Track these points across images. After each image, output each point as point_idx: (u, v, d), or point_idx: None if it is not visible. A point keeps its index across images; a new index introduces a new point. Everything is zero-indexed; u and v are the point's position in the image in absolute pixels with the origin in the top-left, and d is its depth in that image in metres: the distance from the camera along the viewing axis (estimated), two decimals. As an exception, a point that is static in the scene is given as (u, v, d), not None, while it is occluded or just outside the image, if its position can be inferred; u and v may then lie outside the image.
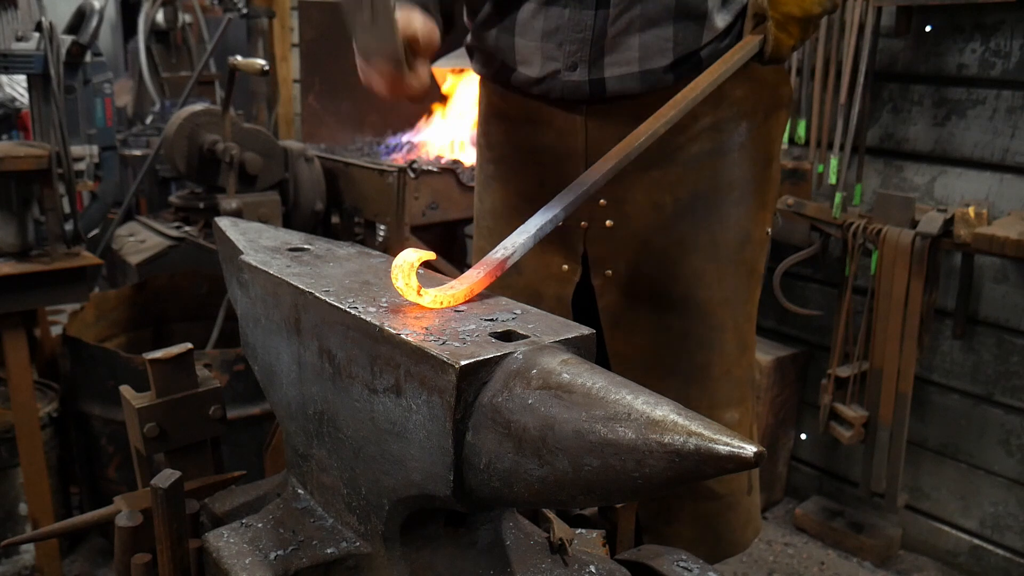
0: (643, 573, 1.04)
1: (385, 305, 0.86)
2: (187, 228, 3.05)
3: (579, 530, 1.07)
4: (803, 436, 2.96)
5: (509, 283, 1.47)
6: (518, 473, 0.71)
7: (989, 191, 2.37)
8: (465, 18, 1.47)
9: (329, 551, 0.91)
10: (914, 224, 2.36)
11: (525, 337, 0.79)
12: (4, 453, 2.35)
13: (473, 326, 0.81)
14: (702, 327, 1.43)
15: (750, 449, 0.60)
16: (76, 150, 2.39)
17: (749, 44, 1.25)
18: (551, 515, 1.01)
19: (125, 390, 1.14)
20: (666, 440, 0.62)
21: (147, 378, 1.12)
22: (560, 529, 0.98)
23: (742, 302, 1.47)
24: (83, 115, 2.51)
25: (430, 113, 3.62)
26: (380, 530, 0.88)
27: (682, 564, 1.04)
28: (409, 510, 0.85)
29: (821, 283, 2.81)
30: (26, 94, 2.80)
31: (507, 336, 0.80)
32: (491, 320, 0.83)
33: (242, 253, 1.05)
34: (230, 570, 0.90)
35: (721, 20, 1.29)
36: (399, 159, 3.12)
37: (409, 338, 0.77)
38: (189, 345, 1.14)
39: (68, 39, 2.38)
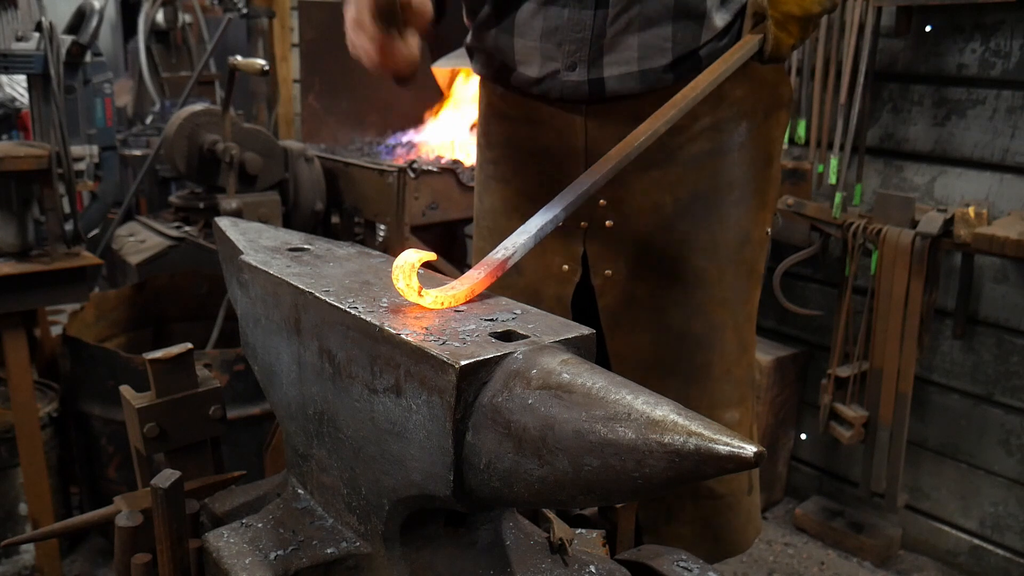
0: (643, 573, 1.03)
1: (385, 305, 0.86)
2: (187, 228, 3.05)
3: (579, 530, 1.07)
4: (803, 436, 2.96)
5: (509, 283, 1.47)
6: (518, 473, 0.71)
7: (989, 191, 2.37)
8: (465, 18, 1.47)
9: (329, 551, 0.91)
10: (914, 224, 2.36)
11: (525, 337, 0.79)
12: (4, 453, 2.35)
13: (473, 326, 0.81)
14: (702, 327, 1.43)
15: (750, 449, 0.60)
16: (76, 150, 2.39)
17: (749, 43, 1.25)
18: (551, 515, 1.01)
19: (125, 390, 1.14)
20: (666, 440, 0.62)
21: (147, 378, 1.12)
22: (560, 529, 0.98)
23: (742, 302, 1.47)
24: (83, 115, 2.51)
25: (434, 111, 3.63)
26: (380, 530, 0.88)
27: (682, 564, 1.04)
28: (409, 510, 0.85)
29: (821, 283, 2.81)
30: (26, 94, 2.80)
31: (507, 336, 0.80)
32: (491, 320, 0.83)
33: (242, 253, 1.05)
34: (230, 570, 0.90)
35: (720, 19, 1.29)
36: (399, 159, 3.12)
37: (409, 338, 0.77)
38: (189, 345, 1.14)
39: (68, 39, 2.38)
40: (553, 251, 1.44)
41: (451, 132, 3.46)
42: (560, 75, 1.32)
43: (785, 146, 2.69)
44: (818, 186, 2.63)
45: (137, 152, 4.08)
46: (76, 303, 2.48)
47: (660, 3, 1.26)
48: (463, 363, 0.72)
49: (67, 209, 2.25)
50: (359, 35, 1.14)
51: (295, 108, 4.73)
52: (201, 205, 3.04)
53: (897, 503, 2.55)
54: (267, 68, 2.65)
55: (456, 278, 0.92)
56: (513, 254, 0.96)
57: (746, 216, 1.42)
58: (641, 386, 0.69)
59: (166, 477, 0.92)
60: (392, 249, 2.71)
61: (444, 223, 3.09)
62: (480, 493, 0.76)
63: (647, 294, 1.41)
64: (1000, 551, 2.51)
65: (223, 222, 1.20)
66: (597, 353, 0.82)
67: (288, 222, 2.98)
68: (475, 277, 0.90)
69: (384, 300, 0.87)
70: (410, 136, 3.52)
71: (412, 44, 1.17)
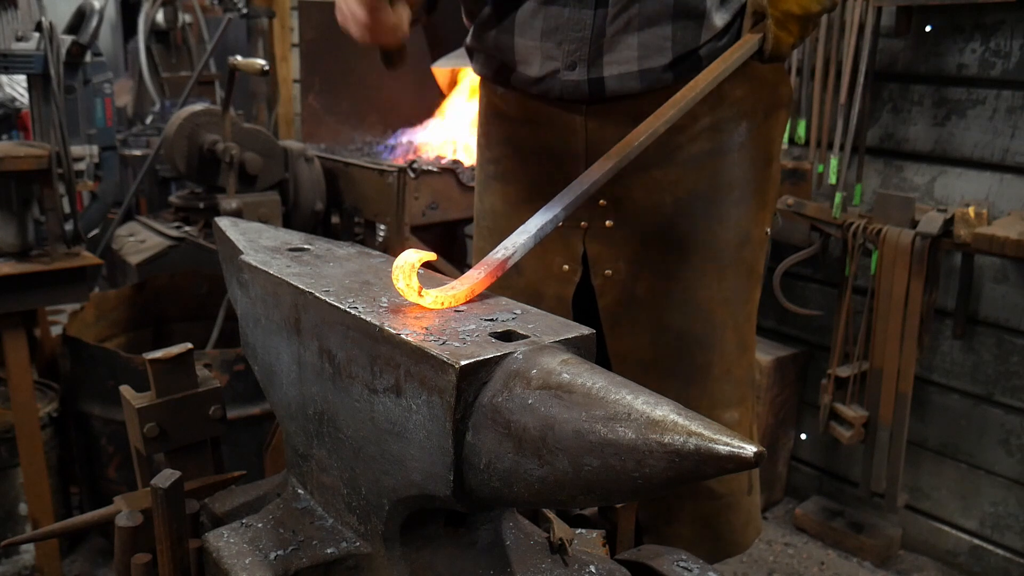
0: (643, 573, 1.03)
1: (385, 305, 0.86)
2: (187, 228, 3.05)
3: (579, 530, 1.07)
4: (803, 436, 2.96)
5: (510, 283, 1.47)
6: (518, 473, 0.71)
7: (989, 191, 2.37)
8: (464, 19, 1.47)
9: (329, 551, 0.91)
10: (914, 224, 2.36)
11: (525, 337, 0.79)
12: (4, 453, 2.35)
13: (473, 326, 0.81)
14: (702, 327, 1.43)
15: (750, 449, 0.60)
16: (76, 150, 2.39)
17: (748, 42, 1.25)
18: (551, 515, 1.01)
19: (125, 390, 1.14)
20: (666, 440, 0.62)
21: (147, 378, 1.12)
22: (560, 529, 0.98)
23: (742, 302, 1.47)
24: (83, 115, 2.51)
25: (433, 110, 3.63)
26: (380, 530, 0.88)
27: (682, 564, 1.04)
28: (409, 510, 0.85)
29: (821, 283, 2.81)
30: (26, 94, 2.80)
31: (507, 336, 0.80)
32: (491, 320, 0.83)
33: (242, 253, 1.05)
34: (230, 570, 0.90)
35: (720, 19, 1.29)
36: (399, 159, 3.12)
37: (409, 338, 0.77)
38: (189, 345, 1.14)
39: (68, 39, 2.38)
40: (553, 251, 1.44)
41: (451, 132, 3.46)
42: (560, 74, 1.32)
43: (785, 146, 2.69)
44: (818, 186, 2.63)
45: (137, 152, 4.08)
46: (76, 303, 2.48)
47: (660, 3, 1.26)
48: (463, 363, 0.72)
49: (67, 209, 2.25)
50: (346, 3, 1.14)
51: (295, 108, 4.73)
52: (201, 205, 3.04)
53: (897, 503, 2.55)
54: (267, 68, 2.65)
55: (456, 278, 0.92)
56: (513, 254, 0.96)
57: (746, 216, 1.42)
58: (641, 386, 0.69)
59: (166, 477, 0.92)
60: (392, 249, 2.71)
61: (444, 223, 3.09)
62: (480, 493, 0.76)
63: (647, 294, 1.41)
64: (1000, 551, 2.52)
65: (223, 222, 1.20)
66: (597, 353, 0.82)
67: (288, 222, 2.98)
68: (475, 277, 0.90)
69: (384, 300, 0.87)
70: (410, 136, 3.52)
71: (402, 15, 1.16)
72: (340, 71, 3.60)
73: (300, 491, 1.01)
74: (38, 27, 2.25)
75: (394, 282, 0.85)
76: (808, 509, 2.82)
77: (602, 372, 0.71)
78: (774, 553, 2.71)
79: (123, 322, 2.91)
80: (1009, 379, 2.42)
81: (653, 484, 0.64)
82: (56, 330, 2.67)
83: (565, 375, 0.71)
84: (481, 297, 0.91)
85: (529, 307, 0.88)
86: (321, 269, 0.99)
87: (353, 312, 0.83)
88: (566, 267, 1.44)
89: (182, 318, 3.01)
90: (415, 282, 0.85)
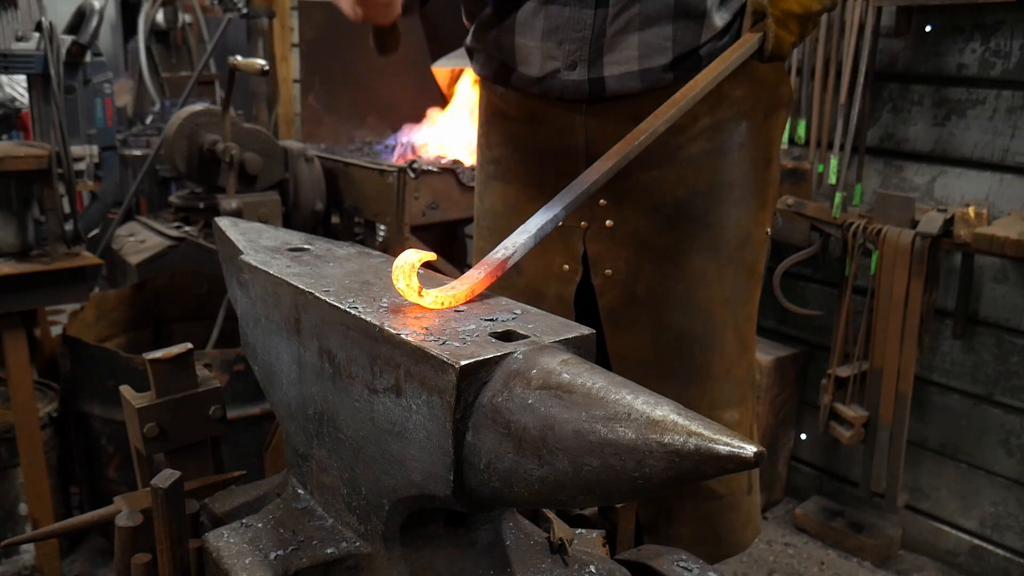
0: (643, 573, 1.04)
1: (385, 305, 0.86)
2: (187, 228, 3.05)
3: (579, 530, 1.07)
4: (803, 436, 2.96)
5: (510, 283, 1.47)
6: (518, 473, 0.71)
7: (989, 191, 2.37)
8: (464, 19, 1.47)
9: (329, 551, 0.91)
10: (914, 224, 2.36)
11: (525, 337, 0.79)
12: (4, 453, 2.35)
13: (473, 326, 0.81)
14: (702, 327, 1.43)
15: (750, 449, 0.60)
16: (76, 150, 2.39)
17: (748, 42, 1.25)
18: (551, 515, 1.01)
19: (125, 390, 1.14)
20: (666, 440, 0.62)
21: (147, 378, 1.12)
22: (560, 529, 0.98)
23: (742, 302, 1.47)
24: (83, 115, 2.51)
25: (433, 110, 3.63)
26: (380, 530, 0.88)
27: (682, 564, 1.04)
28: (409, 510, 0.85)
29: (821, 283, 2.81)
30: (26, 94, 2.80)
31: (507, 336, 0.80)
32: (491, 320, 0.83)
33: (242, 253, 1.05)
34: (230, 570, 0.90)
35: (720, 19, 1.29)
36: (399, 159, 3.12)
37: (409, 338, 0.77)
38: (189, 345, 1.14)
39: (68, 39, 2.38)
40: (554, 251, 1.44)
41: (451, 132, 3.46)
42: (560, 74, 1.32)
43: (785, 146, 2.69)
44: (818, 186, 2.63)
45: (137, 152, 4.08)
46: (76, 303, 2.48)
47: (660, 2, 1.26)
48: (463, 363, 0.72)
49: (67, 209, 2.25)
50: None
51: (295, 108, 4.73)
52: (201, 205, 3.04)
53: (897, 503, 2.55)
54: (267, 68, 2.65)
55: (456, 278, 0.92)
56: (513, 254, 0.96)
57: (746, 216, 1.42)
58: (641, 386, 0.69)
59: (166, 477, 0.92)
60: (392, 249, 2.71)
61: (444, 223, 3.09)
62: (480, 493, 0.76)
63: (647, 293, 1.41)
64: (1000, 551, 2.51)
65: (223, 222, 1.20)
66: (597, 353, 0.82)
67: (288, 222, 2.98)
68: (475, 277, 0.90)
69: (384, 300, 0.87)
70: (410, 136, 3.52)
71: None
72: (340, 71, 3.61)
73: (300, 491, 1.01)
74: (38, 27, 2.25)
75: (394, 282, 0.85)
76: (808, 509, 2.82)
77: (602, 372, 0.71)
78: (774, 553, 2.71)
79: (123, 322, 2.91)
80: (1009, 379, 2.42)
81: (653, 484, 0.64)
82: (56, 330, 2.67)
83: (565, 375, 0.71)
84: (481, 297, 0.91)
85: (529, 307, 0.88)
86: (321, 269, 0.99)
87: (353, 312, 0.83)
88: (566, 267, 1.44)
89: (182, 318, 3.01)
90: (415, 282, 0.85)
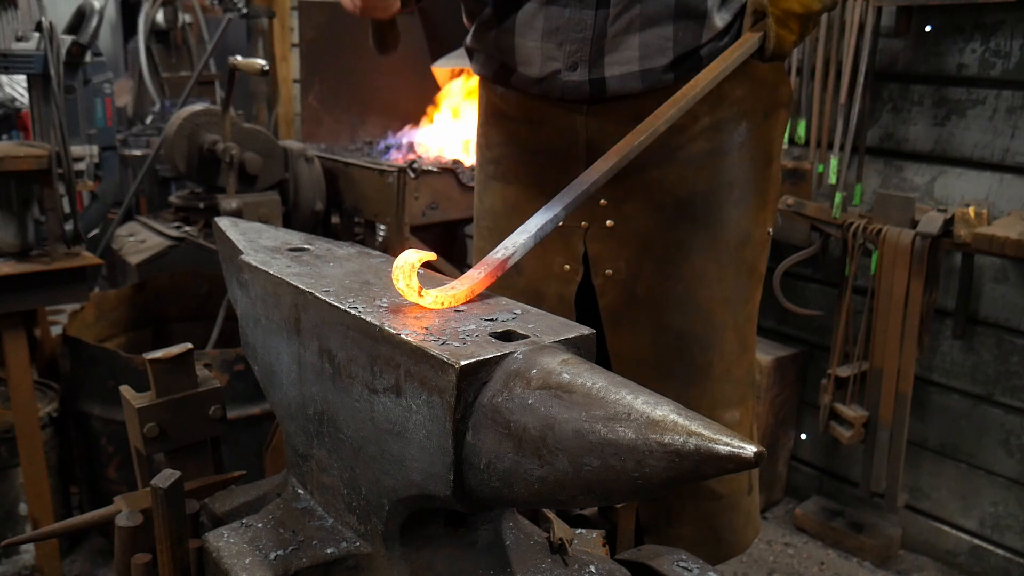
0: (643, 573, 1.03)
1: (385, 305, 0.86)
2: (187, 228, 3.05)
3: (579, 530, 1.07)
4: (803, 436, 2.96)
5: (510, 283, 1.47)
6: (518, 473, 0.71)
7: (989, 191, 2.37)
8: (464, 19, 1.47)
9: (329, 551, 0.91)
10: (914, 224, 2.36)
11: (525, 337, 0.79)
12: (4, 453, 2.35)
13: (473, 326, 0.81)
14: (703, 327, 1.43)
15: (750, 449, 0.60)
16: (76, 150, 2.39)
17: (749, 41, 1.25)
18: (551, 515, 1.01)
19: (125, 390, 1.14)
20: (666, 440, 0.62)
21: (147, 378, 1.12)
22: (560, 529, 0.98)
23: (743, 302, 1.47)
24: (83, 115, 2.51)
25: (433, 110, 3.63)
26: (380, 530, 0.88)
27: (682, 564, 1.04)
28: (409, 510, 0.85)
29: (821, 283, 2.81)
30: (26, 94, 2.80)
31: (507, 336, 0.80)
32: (491, 320, 0.83)
33: (242, 253, 1.05)
34: (230, 570, 0.90)
35: (720, 19, 1.29)
36: (399, 159, 3.12)
37: (409, 338, 0.77)
38: (189, 345, 1.14)
39: (68, 39, 2.38)
40: (554, 251, 1.44)
41: (451, 132, 3.46)
42: (561, 75, 1.32)
43: (785, 146, 2.69)
44: (818, 186, 2.63)
45: (137, 152, 4.08)
46: (76, 303, 2.48)
47: (661, 3, 1.26)
48: (463, 363, 0.72)
49: (67, 209, 2.25)
50: None
51: (295, 108, 4.73)
52: (201, 205, 3.04)
53: (897, 503, 2.55)
54: (267, 68, 2.65)
55: (456, 278, 0.92)
56: (513, 254, 0.96)
57: (747, 216, 1.42)
58: (641, 386, 0.69)
59: (166, 477, 0.92)
60: (392, 249, 2.71)
61: (444, 223, 3.09)
62: (480, 493, 0.76)
63: (648, 293, 1.41)
64: (1000, 551, 2.51)
65: (223, 222, 1.20)
66: (597, 353, 0.82)
67: (288, 222, 2.98)
68: (475, 277, 0.90)
69: (384, 300, 0.87)
70: (410, 136, 3.52)
71: None
72: (340, 71, 3.61)
73: (300, 491, 1.01)
74: (38, 27, 2.25)
75: (394, 282, 0.85)
76: (808, 509, 2.82)
77: (602, 372, 0.71)
78: (774, 553, 2.71)
79: (123, 322, 2.91)
80: (1009, 379, 2.42)
81: (653, 484, 0.64)
82: (56, 330, 2.67)
83: (565, 375, 0.71)
84: (481, 297, 0.91)
85: (529, 307, 0.88)
86: (321, 269, 0.99)
87: (353, 312, 0.83)
88: (567, 267, 1.44)
89: (182, 318, 3.01)
90: (415, 282, 0.85)
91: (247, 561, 0.90)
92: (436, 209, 2.88)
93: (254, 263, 1.01)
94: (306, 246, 1.10)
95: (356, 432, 0.86)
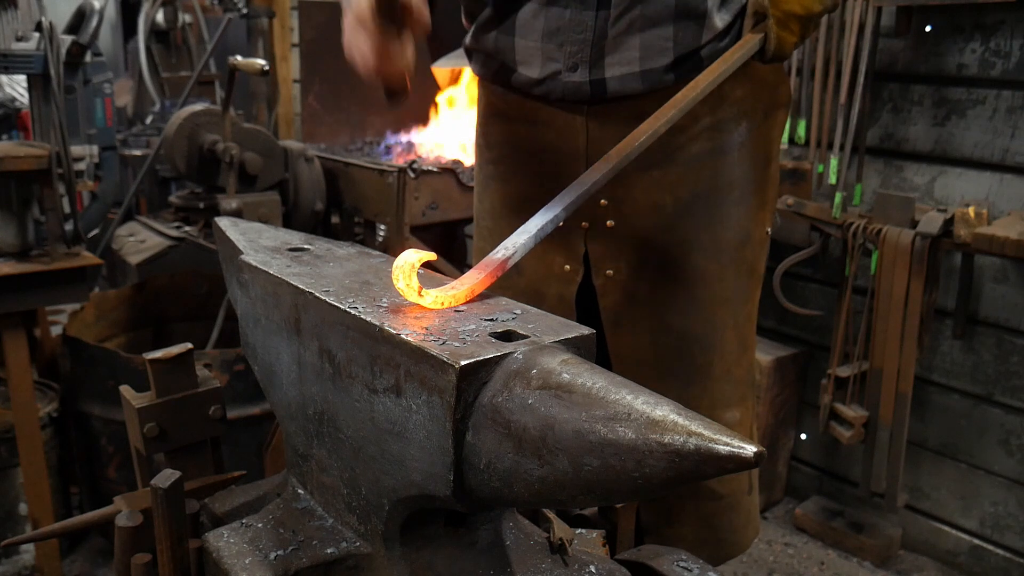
0: (643, 573, 1.03)
1: (385, 305, 0.86)
2: (187, 228, 3.05)
3: (579, 530, 1.07)
4: (803, 436, 2.96)
5: (511, 283, 1.47)
6: (518, 473, 0.71)
7: (989, 191, 2.37)
8: (464, 19, 1.47)
9: (329, 551, 0.91)
10: (914, 224, 2.36)
11: (525, 337, 0.79)
12: (4, 453, 2.35)
13: (473, 326, 0.81)
14: (703, 327, 1.43)
15: (750, 449, 0.60)
16: (76, 150, 2.39)
17: (749, 43, 1.25)
18: (551, 515, 1.01)
19: (125, 390, 1.14)
20: (666, 440, 0.62)
21: (147, 378, 1.12)
22: (560, 529, 0.98)
23: (743, 302, 1.47)
24: (83, 115, 2.51)
25: (433, 110, 3.63)
26: (380, 530, 0.88)
27: (682, 564, 1.04)
28: (409, 510, 0.85)
29: (821, 283, 2.81)
30: (26, 94, 2.80)
31: (507, 336, 0.80)
32: (491, 320, 0.83)
33: (242, 253, 1.05)
34: (230, 570, 0.90)
35: (720, 20, 1.29)
36: (399, 159, 3.12)
37: (409, 338, 0.77)
38: (189, 345, 1.14)
39: (68, 39, 2.38)
40: (554, 251, 1.44)
41: (451, 132, 3.46)
42: (561, 76, 1.32)
43: (785, 146, 2.69)
44: (818, 186, 2.63)
45: (137, 152, 4.08)
46: (76, 303, 2.48)
47: (661, 3, 1.26)
48: (463, 363, 0.72)
49: (67, 209, 2.25)
50: (357, 34, 1.14)
51: (295, 108, 4.73)
52: (201, 205, 3.04)
53: (897, 503, 2.55)
54: (267, 68, 2.65)
55: (456, 278, 0.92)
56: (513, 254, 0.96)
57: (746, 216, 1.42)
58: (641, 386, 0.69)
59: (166, 477, 0.92)
60: (392, 249, 2.71)
61: (444, 223, 3.09)
62: (480, 493, 0.76)
63: (648, 294, 1.41)
64: (1000, 551, 2.51)
65: (223, 222, 1.20)
66: (597, 353, 0.82)
67: (288, 222, 2.98)
68: (475, 277, 0.90)
69: (384, 300, 0.87)
70: (410, 136, 3.52)
71: (408, 52, 1.17)
72: (340, 71, 3.60)
73: (300, 491, 1.01)
74: (38, 27, 2.25)
75: (394, 282, 0.85)
76: (808, 509, 2.82)
77: (602, 372, 0.71)
78: (774, 553, 2.71)
79: (123, 322, 2.91)
80: (1009, 379, 2.42)
81: (653, 484, 0.64)
82: (56, 330, 2.67)
83: (565, 375, 0.71)
84: (481, 297, 0.91)
85: (529, 307, 0.88)
86: (321, 269, 0.99)
87: (353, 312, 0.83)
88: (567, 267, 1.44)
89: (182, 318, 3.01)
90: (415, 282, 0.85)
91: (247, 561, 0.90)
92: (436, 209, 2.88)
93: (254, 263, 1.01)
94: (306, 246, 1.10)
95: (356, 432, 0.86)
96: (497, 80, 1.44)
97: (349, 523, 0.93)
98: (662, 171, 1.36)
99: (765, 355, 2.75)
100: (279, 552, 0.91)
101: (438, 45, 3.50)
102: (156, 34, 4.94)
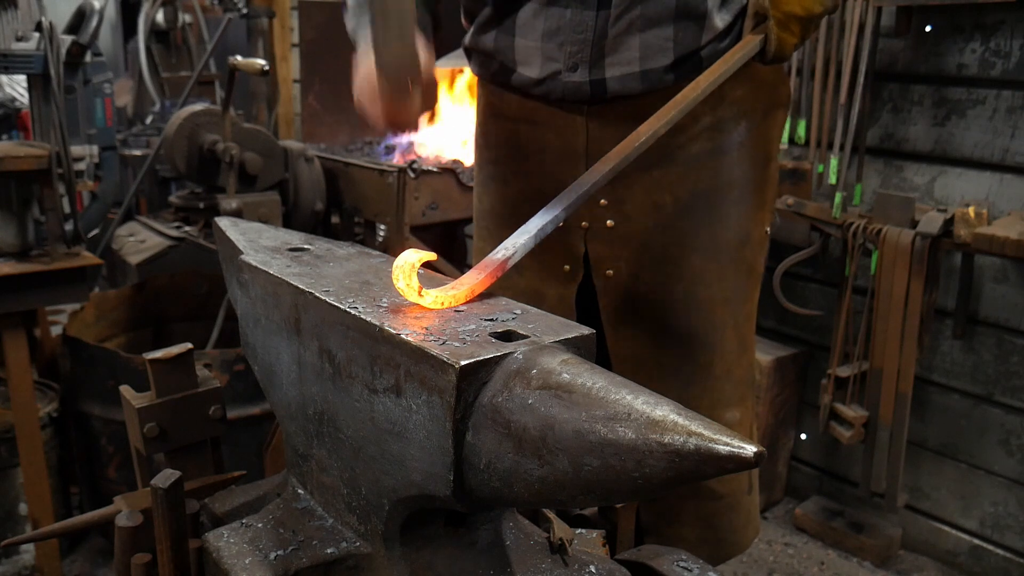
0: (643, 573, 1.03)
1: (385, 305, 0.86)
2: (187, 228, 3.05)
3: (579, 530, 1.07)
4: (803, 436, 2.96)
5: (511, 283, 1.47)
6: (518, 473, 0.71)
7: (989, 191, 2.37)
8: (463, 19, 1.47)
9: (329, 551, 0.91)
10: (914, 224, 2.36)
11: (525, 337, 0.79)
12: (4, 453, 2.35)
13: (473, 326, 0.81)
14: (703, 327, 1.43)
15: (750, 449, 0.60)
16: (76, 150, 2.39)
17: (750, 44, 1.25)
18: (551, 515, 1.01)
19: (125, 390, 1.14)
20: (666, 440, 0.62)
21: (147, 378, 1.12)
22: (560, 529, 0.98)
23: (742, 301, 1.47)
24: (83, 115, 2.51)
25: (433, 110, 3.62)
26: (380, 530, 0.88)
27: (682, 564, 1.04)
28: (409, 510, 0.85)
29: (821, 283, 2.81)
30: (26, 94, 2.80)
31: (507, 336, 0.80)
32: (491, 320, 0.83)
33: (242, 253, 1.05)
34: (230, 570, 0.90)
35: (720, 20, 1.29)
36: (399, 159, 3.12)
37: (409, 338, 0.77)
38: (189, 345, 1.14)
39: (68, 39, 2.38)
40: (554, 251, 1.44)
41: (451, 132, 3.46)
42: (561, 76, 1.32)
43: (785, 146, 2.69)
44: (818, 186, 2.63)
45: (137, 152, 4.08)
46: (76, 303, 2.48)
47: (661, 4, 1.26)
48: (463, 363, 0.72)
49: (67, 209, 2.25)
50: (365, 90, 1.18)
51: (295, 108, 4.73)
52: (201, 205, 3.04)
53: (897, 503, 2.55)
54: (267, 68, 2.65)
55: (456, 278, 0.92)
56: (513, 254, 0.96)
57: (746, 215, 1.42)
58: (641, 386, 0.69)
59: (166, 477, 0.92)
60: (392, 249, 2.71)
61: (444, 223, 3.09)
62: (480, 493, 0.76)
63: (648, 293, 1.41)
64: (1000, 551, 2.51)
65: (223, 222, 1.20)
66: (598, 353, 0.82)
67: (288, 222, 2.98)
68: (475, 277, 0.90)
69: (384, 300, 0.87)
70: (410, 136, 3.52)
71: (416, 103, 1.22)
72: (340, 71, 3.58)
73: (300, 491, 1.01)
74: (38, 27, 2.25)
75: (394, 282, 0.85)
76: (808, 509, 2.82)
77: (602, 372, 0.71)
78: (774, 553, 2.71)
79: (123, 322, 2.91)
80: (1009, 379, 2.42)
81: (653, 484, 0.64)
82: (56, 330, 2.67)
83: (565, 375, 0.71)
84: (481, 297, 0.91)
85: (529, 307, 0.88)
86: (321, 269, 0.99)
87: (353, 312, 0.83)
88: (567, 267, 1.44)
89: (182, 318, 3.01)
90: (415, 282, 0.85)
91: (247, 561, 0.90)
92: (436, 209, 2.88)
93: (254, 263, 1.01)
94: (306, 246, 1.10)
95: (356, 432, 0.86)
96: (496, 80, 1.44)
97: (349, 523, 0.93)
98: (662, 171, 1.36)
99: (765, 355, 2.75)
100: (279, 552, 0.91)
101: (438, 45, 3.50)
102: (156, 34, 4.94)
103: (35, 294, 2.21)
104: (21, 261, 2.18)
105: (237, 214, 2.66)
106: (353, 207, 3.10)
